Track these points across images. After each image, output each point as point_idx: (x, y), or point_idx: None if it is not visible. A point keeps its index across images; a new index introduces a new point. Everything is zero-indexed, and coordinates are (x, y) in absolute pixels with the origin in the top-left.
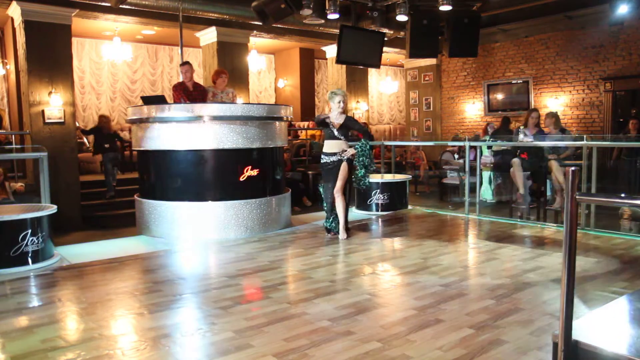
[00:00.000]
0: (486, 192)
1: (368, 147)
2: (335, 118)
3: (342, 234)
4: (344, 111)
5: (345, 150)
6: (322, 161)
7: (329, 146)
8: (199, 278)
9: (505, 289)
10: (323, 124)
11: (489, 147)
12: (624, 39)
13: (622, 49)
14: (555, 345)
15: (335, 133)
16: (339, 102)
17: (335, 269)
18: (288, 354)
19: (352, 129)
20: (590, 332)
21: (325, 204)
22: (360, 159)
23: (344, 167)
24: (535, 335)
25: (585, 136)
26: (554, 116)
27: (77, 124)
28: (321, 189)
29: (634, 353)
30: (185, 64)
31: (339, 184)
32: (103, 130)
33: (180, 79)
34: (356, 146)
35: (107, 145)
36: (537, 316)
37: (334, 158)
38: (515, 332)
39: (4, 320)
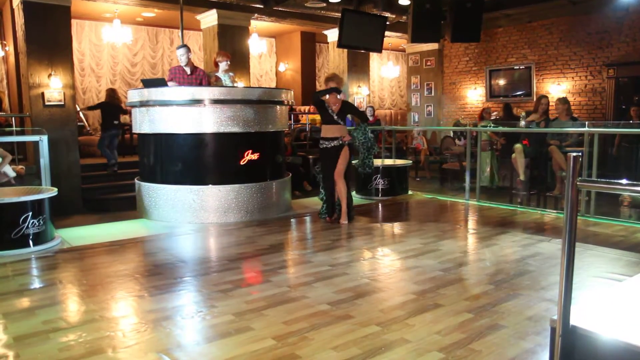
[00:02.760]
0: (485, 177)
1: (368, 130)
2: (334, 102)
3: (343, 218)
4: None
5: (346, 136)
6: (321, 146)
7: (330, 131)
8: (199, 261)
9: (504, 275)
10: (321, 105)
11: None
12: (629, 24)
13: (626, 35)
14: (553, 330)
15: (335, 117)
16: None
17: (335, 253)
18: (288, 337)
19: (350, 113)
20: (588, 317)
21: (322, 190)
22: (362, 141)
23: (345, 151)
24: (533, 321)
25: (586, 123)
26: (566, 102)
27: (78, 107)
28: (319, 176)
29: (631, 338)
30: (181, 47)
31: (340, 168)
32: (112, 104)
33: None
34: (354, 133)
35: (115, 122)
36: (536, 301)
37: (334, 143)
38: (514, 317)
39: (5, 301)
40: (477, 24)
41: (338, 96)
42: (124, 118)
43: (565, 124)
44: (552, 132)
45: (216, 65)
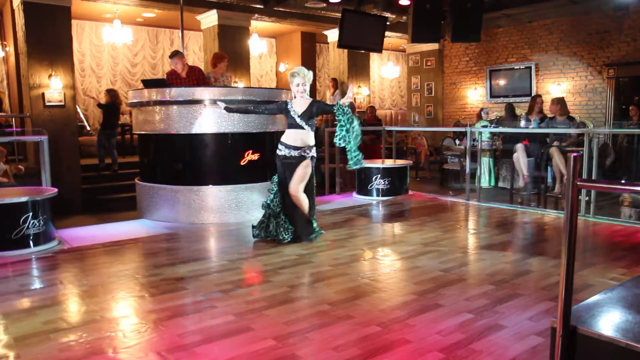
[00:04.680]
0: (483, 179)
1: (347, 117)
2: (298, 103)
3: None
4: (308, 94)
5: (310, 147)
6: (279, 152)
7: (292, 137)
8: (199, 261)
9: (504, 275)
10: (283, 108)
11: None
12: (629, 24)
13: (626, 35)
14: (553, 330)
15: (298, 121)
16: (298, 85)
17: (336, 254)
18: (288, 337)
19: (321, 114)
20: (588, 318)
21: (265, 202)
22: (345, 124)
23: (305, 165)
24: (533, 321)
25: (586, 122)
26: (559, 102)
27: (78, 108)
28: (274, 185)
29: (631, 339)
30: (172, 56)
31: (295, 182)
32: (114, 105)
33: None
34: (338, 115)
35: (115, 122)
36: (536, 302)
37: (295, 153)
38: (514, 317)
39: (6, 302)
40: (477, 24)
41: (302, 86)
42: (124, 118)
43: (562, 124)
44: (551, 132)
45: (214, 66)
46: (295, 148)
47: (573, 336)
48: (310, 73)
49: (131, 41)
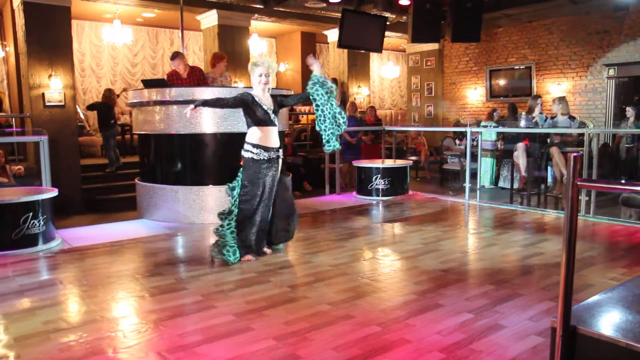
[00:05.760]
0: (484, 179)
1: (321, 90)
2: (265, 97)
3: (267, 249)
4: (270, 87)
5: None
6: (255, 157)
7: (268, 137)
8: (199, 261)
9: (504, 275)
10: (250, 101)
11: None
12: (629, 24)
13: (626, 35)
14: (553, 330)
15: (272, 117)
16: (261, 75)
17: (336, 254)
18: (288, 337)
19: (287, 105)
20: (588, 318)
21: (230, 222)
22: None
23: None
24: (533, 321)
25: (587, 122)
26: (561, 101)
27: (78, 108)
28: (233, 193)
29: (631, 339)
30: (174, 57)
31: (292, 194)
32: (109, 105)
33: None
34: (313, 93)
35: (112, 121)
36: (536, 302)
37: (273, 154)
38: (514, 317)
39: (6, 302)
40: (477, 24)
41: (265, 77)
42: (124, 118)
43: (563, 123)
44: (551, 132)
45: (213, 66)
46: (275, 149)
47: (573, 336)
48: (275, 64)
49: (131, 41)
